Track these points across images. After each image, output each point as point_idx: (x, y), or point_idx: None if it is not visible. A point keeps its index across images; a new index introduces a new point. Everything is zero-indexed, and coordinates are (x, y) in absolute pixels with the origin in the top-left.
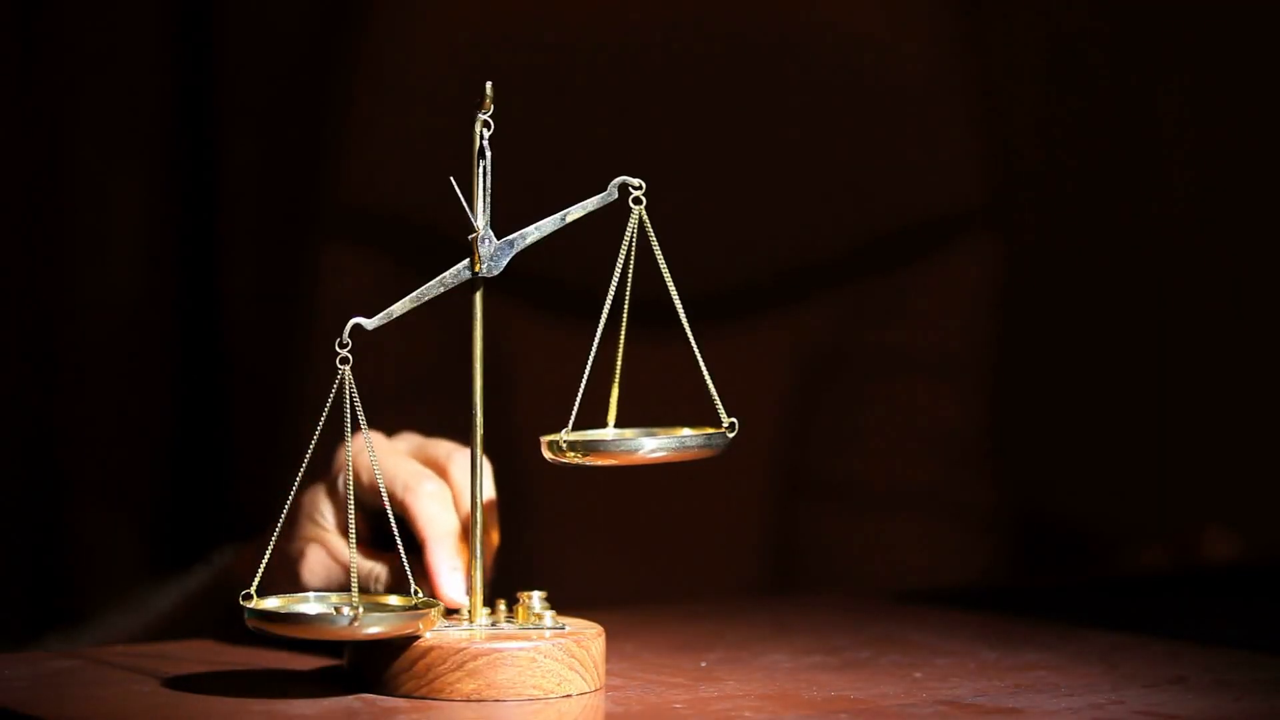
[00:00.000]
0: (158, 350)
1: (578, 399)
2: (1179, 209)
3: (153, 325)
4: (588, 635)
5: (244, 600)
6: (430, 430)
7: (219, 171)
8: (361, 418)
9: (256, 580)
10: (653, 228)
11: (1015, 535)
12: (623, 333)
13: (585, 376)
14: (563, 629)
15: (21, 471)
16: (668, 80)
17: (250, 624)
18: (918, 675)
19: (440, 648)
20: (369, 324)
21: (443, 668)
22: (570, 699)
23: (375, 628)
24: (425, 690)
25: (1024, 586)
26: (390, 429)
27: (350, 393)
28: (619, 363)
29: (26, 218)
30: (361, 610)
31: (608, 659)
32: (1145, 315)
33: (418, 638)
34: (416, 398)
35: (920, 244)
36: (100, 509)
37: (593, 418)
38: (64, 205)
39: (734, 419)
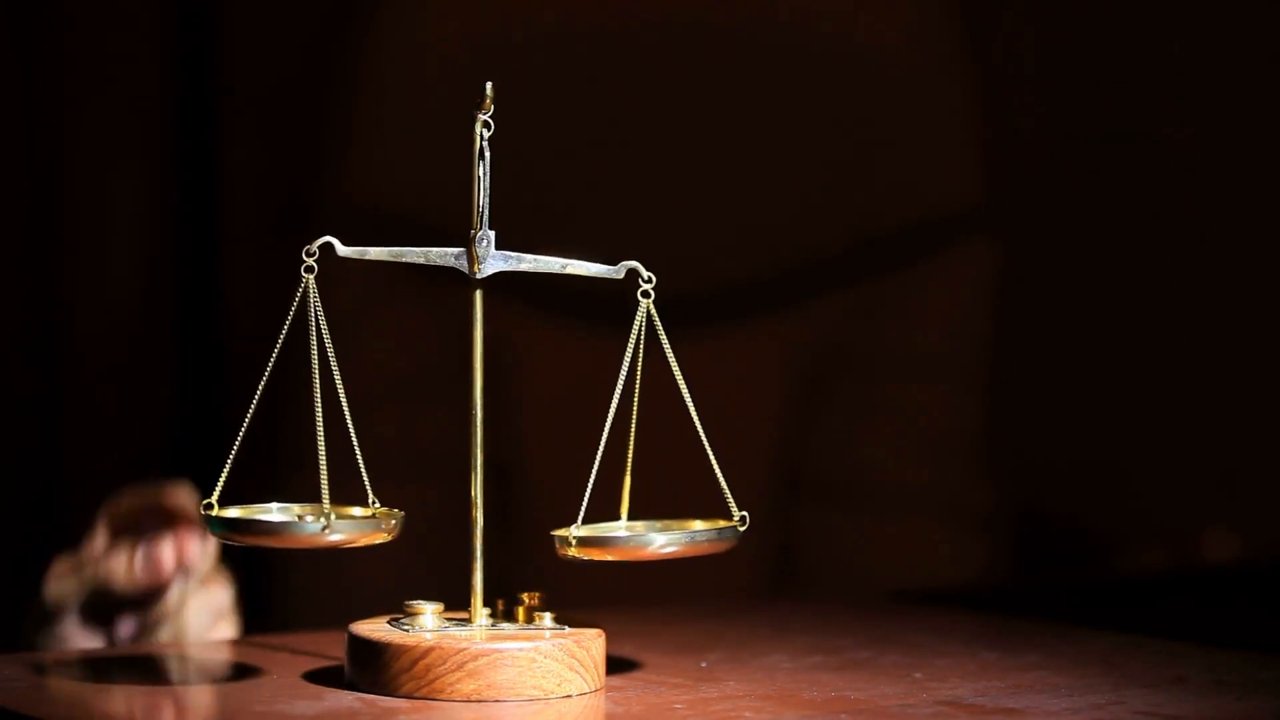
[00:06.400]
0: (158, 349)
1: (586, 494)
2: (1178, 208)
3: (153, 325)
4: (588, 636)
5: (205, 510)
6: (428, 431)
7: (219, 171)
8: (324, 325)
9: (218, 490)
10: (653, 227)
11: (1015, 535)
12: (633, 424)
13: (595, 469)
14: (563, 629)
15: (21, 472)
16: (667, 81)
17: (216, 535)
18: (918, 675)
19: (440, 648)
20: (342, 250)
21: (443, 668)
22: (570, 699)
23: (340, 534)
24: (425, 690)
25: (1024, 586)
26: (389, 429)
27: (313, 300)
28: (630, 456)
29: (27, 218)
30: (333, 517)
31: (608, 659)
32: (1144, 315)
33: (378, 546)
34: (416, 398)
35: (919, 244)
36: (99, 508)
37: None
38: (64, 205)
39: (744, 513)
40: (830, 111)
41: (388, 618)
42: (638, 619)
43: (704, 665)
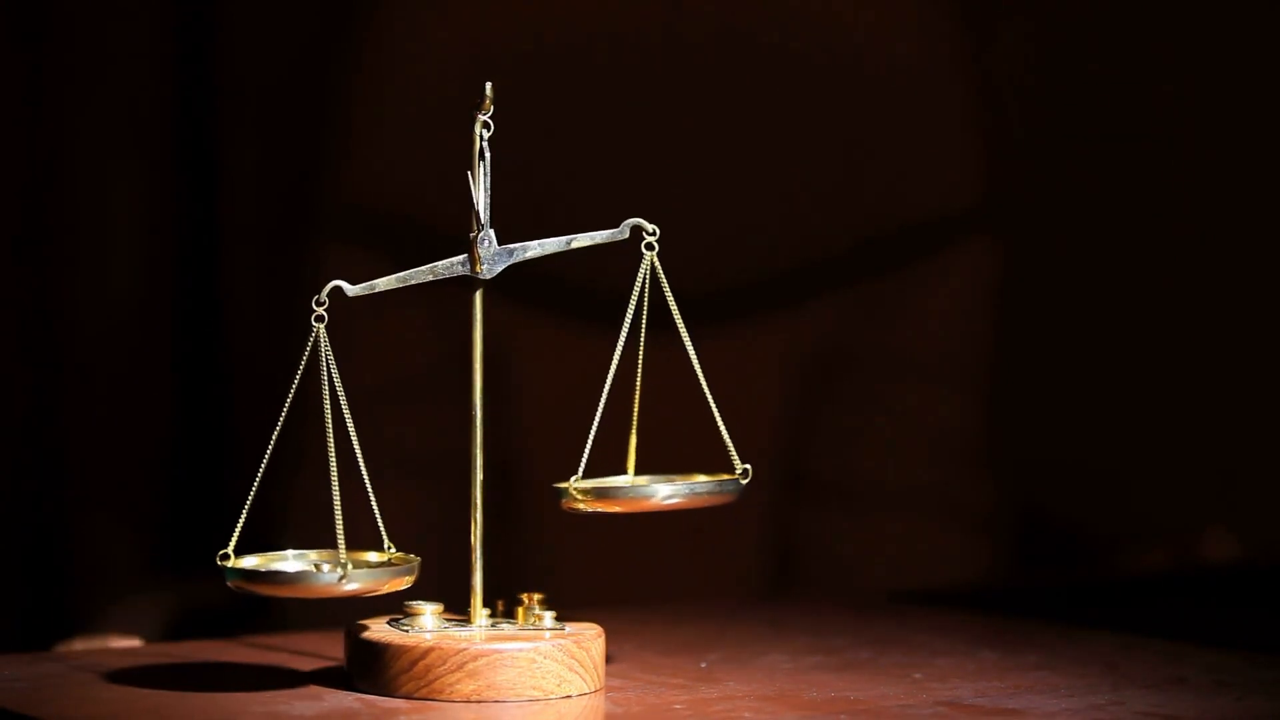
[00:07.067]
0: (158, 350)
1: (587, 447)
2: (1178, 208)
3: (153, 325)
4: (587, 636)
5: (221, 560)
6: (428, 431)
7: (219, 171)
8: (335, 375)
9: (234, 539)
10: (654, 224)
11: (1015, 535)
12: (638, 380)
13: (595, 424)
14: (563, 629)
15: (21, 473)
16: (667, 81)
17: (232, 584)
18: (917, 676)
19: (440, 648)
20: (350, 290)
21: (442, 669)
22: (570, 700)
23: (357, 584)
24: (425, 691)
25: (1024, 586)
26: (390, 428)
27: (324, 351)
28: (635, 410)
29: (27, 218)
30: (349, 566)
31: (607, 660)
32: (1144, 315)
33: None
34: (416, 398)
35: (919, 245)
36: (100, 510)
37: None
38: (64, 205)
39: (747, 466)
40: (830, 112)
41: (387, 618)
42: (638, 619)
43: (704, 665)
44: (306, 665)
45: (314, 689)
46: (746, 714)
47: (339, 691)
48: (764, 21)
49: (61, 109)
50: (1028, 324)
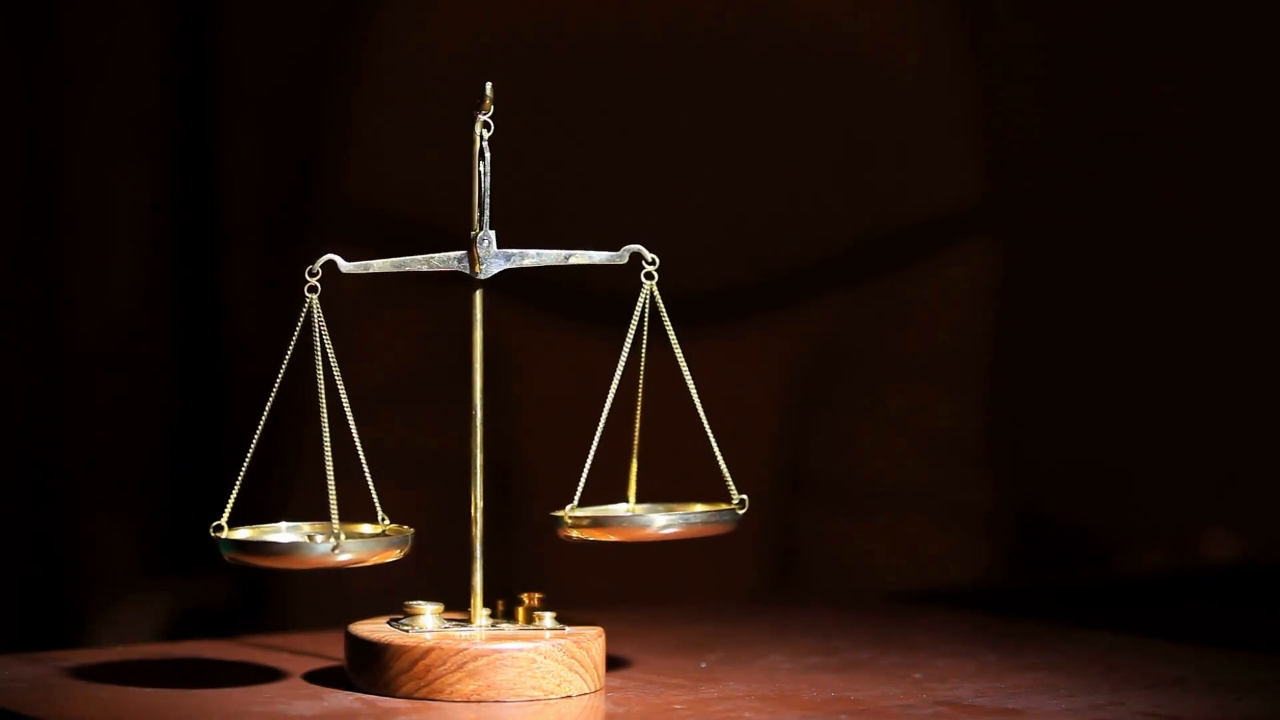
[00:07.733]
0: (158, 351)
1: (583, 477)
2: (1177, 209)
3: (153, 325)
4: (587, 636)
5: (215, 531)
6: (428, 431)
7: (219, 171)
8: (329, 344)
9: (227, 512)
10: (654, 227)
11: (1015, 535)
12: (639, 405)
13: (592, 453)
14: (563, 629)
15: (21, 473)
16: (668, 81)
17: (228, 557)
18: (918, 676)
19: (440, 648)
20: (345, 266)
21: (443, 669)
22: (570, 700)
23: (350, 554)
24: (425, 691)
25: (1024, 586)
26: (389, 429)
27: (317, 320)
28: (636, 438)
29: (27, 217)
30: (342, 537)
31: (608, 660)
32: (1144, 315)
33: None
34: (416, 398)
35: (919, 245)
36: (100, 510)
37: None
38: (64, 206)
39: (744, 496)
40: (831, 112)
41: (387, 618)
42: (638, 619)
43: (704, 665)
44: (306, 665)
45: (314, 689)
46: (746, 714)
47: (339, 691)
48: (765, 22)
49: (61, 109)
50: (1028, 324)
